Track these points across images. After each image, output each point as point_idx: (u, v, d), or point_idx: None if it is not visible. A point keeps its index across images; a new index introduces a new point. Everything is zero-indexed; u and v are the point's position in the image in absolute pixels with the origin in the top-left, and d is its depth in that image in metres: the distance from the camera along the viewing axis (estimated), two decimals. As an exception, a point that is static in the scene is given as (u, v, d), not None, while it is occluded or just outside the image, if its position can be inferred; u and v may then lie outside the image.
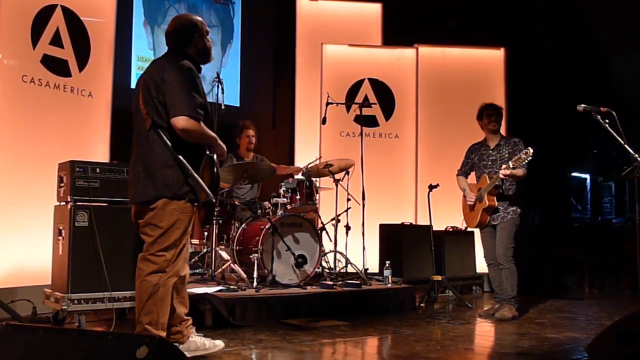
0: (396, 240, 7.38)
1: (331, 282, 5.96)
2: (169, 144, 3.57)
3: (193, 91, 3.61)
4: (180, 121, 3.52)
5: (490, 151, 5.94)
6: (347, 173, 6.77)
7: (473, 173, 6.13)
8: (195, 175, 3.57)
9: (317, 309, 5.51)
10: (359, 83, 8.50)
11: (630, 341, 3.36)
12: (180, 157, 3.55)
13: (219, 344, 4.00)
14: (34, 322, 4.90)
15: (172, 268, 3.63)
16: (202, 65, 3.96)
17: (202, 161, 3.65)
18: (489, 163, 5.90)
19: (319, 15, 9.02)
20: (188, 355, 3.46)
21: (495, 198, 5.74)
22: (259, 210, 6.35)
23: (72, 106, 5.80)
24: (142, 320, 3.57)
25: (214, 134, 3.74)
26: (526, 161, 5.50)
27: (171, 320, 3.76)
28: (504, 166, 5.60)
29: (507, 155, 5.79)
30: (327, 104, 6.96)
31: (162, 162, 3.58)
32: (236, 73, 9.32)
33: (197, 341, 3.90)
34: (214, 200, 3.65)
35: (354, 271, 6.47)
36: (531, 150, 5.46)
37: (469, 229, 7.24)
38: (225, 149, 3.84)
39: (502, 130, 6.14)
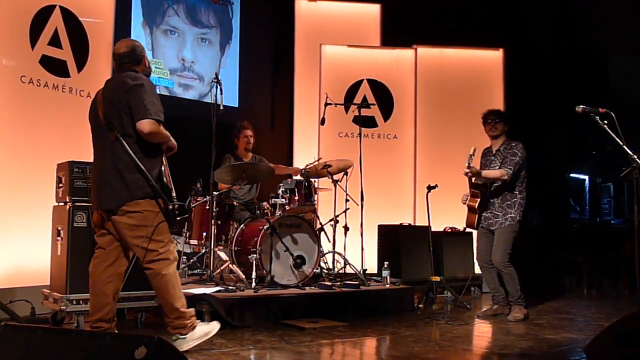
0: (395, 241, 7.39)
1: (330, 283, 5.96)
2: (131, 152, 3.86)
3: (155, 99, 3.94)
4: (145, 124, 3.81)
5: (492, 156, 6.01)
6: (346, 174, 6.77)
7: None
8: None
9: (316, 309, 5.51)
10: (358, 84, 8.50)
11: (629, 342, 3.36)
12: (142, 163, 3.88)
13: (216, 324, 4.24)
14: (32, 322, 4.90)
15: (175, 255, 4.02)
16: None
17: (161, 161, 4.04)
18: (491, 166, 5.97)
19: (317, 16, 9.02)
20: (201, 340, 4.02)
21: (477, 200, 5.84)
22: (258, 211, 6.35)
23: (71, 107, 5.80)
24: (177, 307, 3.93)
25: (167, 133, 4.01)
26: (469, 160, 5.63)
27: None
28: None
29: (500, 159, 5.87)
30: (326, 104, 6.96)
31: (132, 168, 3.88)
32: (235, 74, 9.33)
33: (205, 323, 4.20)
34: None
35: (353, 272, 6.47)
36: (472, 149, 5.63)
37: (467, 230, 7.24)
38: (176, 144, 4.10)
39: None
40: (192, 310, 4.06)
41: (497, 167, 5.83)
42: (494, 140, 6.03)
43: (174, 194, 4.01)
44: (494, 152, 6.00)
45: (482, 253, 6.00)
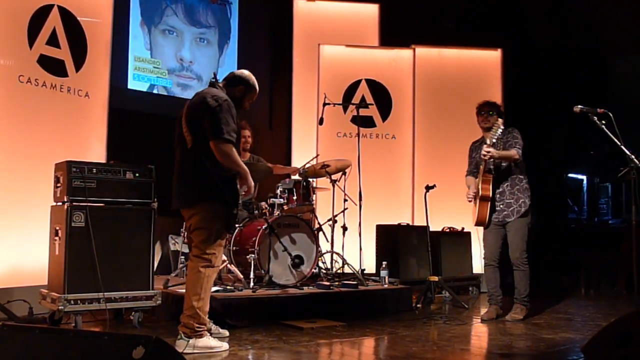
0: (393, 240, 7.39)
1: (328, 283, 5.96)
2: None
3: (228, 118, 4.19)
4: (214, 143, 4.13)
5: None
6: (344, 173, 6.77)
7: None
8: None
9: (314, 309, 5.51)
10: (356, 84, 8.50)
11: (627, 342, 3.36)
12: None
13: (224, 332, 4.59)
14: (30, 322, 4.90)
15: (220, 263, 4.31)
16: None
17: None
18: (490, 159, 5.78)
19: (316, 16, 9.02)
20: (203, 351, 4.07)
21: (489, 187, 5.68)
22: (256, 211, 6.35)
23: (69, 106, 5.80)
24: (193, 305, 4.09)
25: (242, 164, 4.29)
26: (497, 132, 5.54)
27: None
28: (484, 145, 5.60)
29: (501, 145, 5.74)
30: (324, 104, 6.96)
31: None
32: (233, 73, 9.31)
33: (214, 338, 4.30)
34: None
35: (351, 272, 6.47)
36: (500, 120, 5.55)
37: (465, 229, 7.25)
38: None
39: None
40: (207, 321, 4.24)
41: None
42: (487, 132, 5.87)
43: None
44: (488, 143, 5.78)
45: (491, 251, 5.85)
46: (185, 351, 3.95)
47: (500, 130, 5.55)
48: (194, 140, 4.19)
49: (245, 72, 4.59)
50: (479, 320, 5.76)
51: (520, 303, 5.77)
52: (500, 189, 5.77)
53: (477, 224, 5.88)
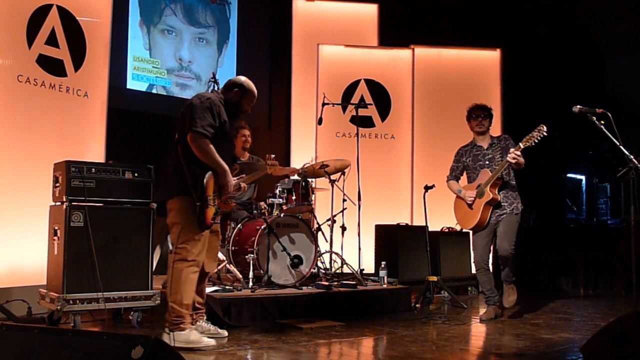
0: (392, 241, 7.39)
1: (327, 283, 5.96)
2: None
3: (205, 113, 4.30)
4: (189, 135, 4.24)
5: (485, 150, 5.81)
6: (343, 174, 6.78)
7: (465, 177, 6.00)
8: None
9: (313, 309, 5.51)
10: (355, 84, 8.51)
11: (625, 342, 3.37)
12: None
13: (223, 332, 4.60)
14: (29, 322, 4.90)
15: (194, 257, 4.27)
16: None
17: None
18: (486, 162, 5.75)
19: (315, 16, 9.03)
20: (181, 345, 4.13)
21: (496, 191, 5.62)
22: (255, 211, 6.35)
23: (68, 106, 5.80)
24: (169, 301, 4.25)
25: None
26: (538, 138, 5.34)
27: None
28: (510, 150, 5.46)
29: (499, 152, 5.68)
30: (323, 104, 6.96)
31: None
32: (232, 73, 9.32)
33: (202, 325, 4.55)
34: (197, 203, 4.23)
35: (350, 272, 6.47)
36: (544, 127, 5.32)
37: (464, 230, 7.23)
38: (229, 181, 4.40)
39: (498, 131, 6.08)
40: (186, 314, 4.26)
41: (496, 160, 5.64)
42: (480, 137, 5.85)
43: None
44: (485, 147, 5.80)
45: (481, 254, 5.82)
46: (170, 344, 4.02)
47: (540, 137, 5.35)
48: (178, 137, 4.37)
49: (242, 78, 4.74)
50: (478, 320, 5.76)
51: (510, 283, 5.78)
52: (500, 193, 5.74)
53: (476, 226, 5.78)
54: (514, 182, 5.76)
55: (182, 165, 4.25)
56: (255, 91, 4.70)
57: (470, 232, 6.02)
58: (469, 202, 5.78)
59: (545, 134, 5.32)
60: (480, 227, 5.76)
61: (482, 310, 5.94)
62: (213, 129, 4.26)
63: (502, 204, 5.70)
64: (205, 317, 4.63)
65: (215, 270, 4.69)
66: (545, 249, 9.12)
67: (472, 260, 6.01)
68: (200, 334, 4.33)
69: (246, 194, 6.92)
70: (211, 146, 4.24)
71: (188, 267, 4.25)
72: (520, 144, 5.43)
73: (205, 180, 4.20)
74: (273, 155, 5.86)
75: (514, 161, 5.44)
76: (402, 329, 5.16)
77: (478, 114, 5.83)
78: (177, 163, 4.29)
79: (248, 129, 6.86)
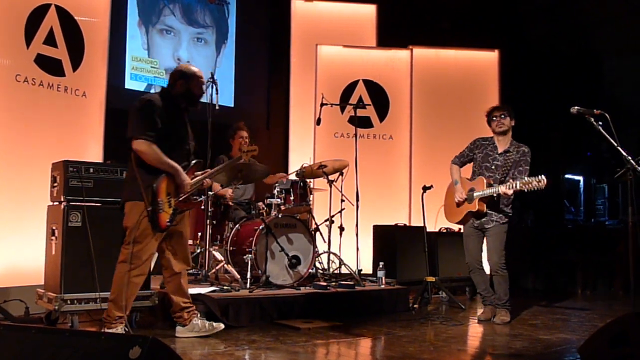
0: (390, 241, 7.39)
1: (325, 283, 5.96)
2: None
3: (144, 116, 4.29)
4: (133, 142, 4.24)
5: (497, 155, 5.71)
6: (341, 174, 6.78)
7: (468, 167, 5.96)
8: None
9: (311, 309, 5.51)
10: (354, 84, 8.51)
11: (623, 342, 3.37)
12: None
13: (219, 326, 4.62)
14: (26, 322, 4.89)
15: (139, 262, 4.24)
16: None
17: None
18: (492, 167, 5.68)
19: (313, 16, 9.03)
20: (190, 335, 4.48)
21: (485, 205, 5.58)
22: (253, 211, 6.34)
23: (66, 106, 5.79)
24: (108, 299, 4.28)
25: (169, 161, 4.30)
26: (535, 189, 5.22)
27: (172, 308, 4.59)
28: (506, 184, 5.38)
29: (511, 164, 5.58)
30: (322, 104, 6.96)
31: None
32: (230, 73, 9.32)
33: (198, 323, 4.56)
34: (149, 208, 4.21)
35: (348, 272, 6.47)
36: (545, 181, 5.16)
37: (462, 230, 7.23)
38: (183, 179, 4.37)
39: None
40: (116, 315, 4.24)
41: (501, 170, 5.57)
42: (501, 137, 5.75)
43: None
44: (499, 151, 5.72)
45: (473, 254, 5.82)
46: None
47: (537, 189, 5.22)
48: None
49: (180, 66, 4.69)
50: (476, 320, 5.76)
51: (503, 307, 5.70)
52: (491, 203, 5.68)
53: (458, 223, 5.89)
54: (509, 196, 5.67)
55: (132, 170, 4.27)
56: (198, 71, 4.59)
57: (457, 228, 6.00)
58: (457, 200, 5.78)
59: (542, 188, 5.21)
60: (460, 223, 5.87)
61: (480, 311, 5.94)
62: (155, 131, 4.23)
63: (488, 211, 5.65)
64: (198, 315, 4.64)
65: (187, 268, 4.61)
66: (543, 249, 9.13)
67: (465, 261, 5.95)
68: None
69: (245, 194, 6.93)
70: (155, 149, 4.23)
71: (131, 269, 4.22)
72: (517, 183, 5.31)
73: (155, 185, 4.20)
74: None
75: (502, 194, 5.44)
76: (400, 330, 5.16)
77: (497, 115, 5.77)
78: (131, 167, 4.31)
79: (246, 130, 6.85)
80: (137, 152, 4.21)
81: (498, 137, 5.79)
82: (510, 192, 5.36)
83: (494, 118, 5.77)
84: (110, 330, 4.18)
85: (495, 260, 5.66)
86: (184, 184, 4.33)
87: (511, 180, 5.45)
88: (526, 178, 5.33)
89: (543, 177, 5.19)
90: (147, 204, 4.18)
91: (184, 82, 4.51)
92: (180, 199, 4.34)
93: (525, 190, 5.29)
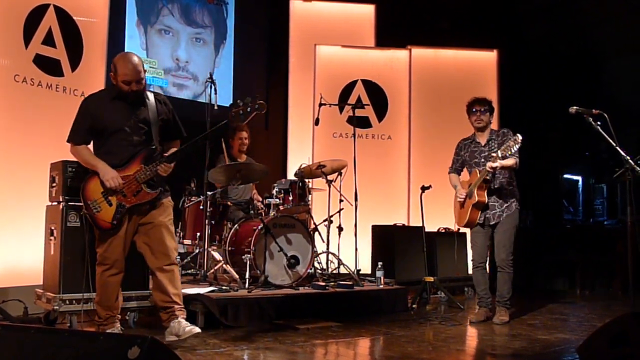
0: (388, 241, 7.39)
1: (323, 283, 5.96)
2: None
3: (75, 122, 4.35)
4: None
5: (482, 147, 5.73)
6: (340, 174, 6.78)
7: (466, 170, 5.93)
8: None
9: (310, 309, 5.51)
10: (352, 84, 8.51)
11: (622, 342, 3.37)
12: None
13: (193, 329, 4.20)
14: (25, 322, 4.89)
15: (105, 260, 4.24)
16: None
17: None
18: (482, 160, 5.66)
19: (312, 16, 9.03)
20: (170, 339, 4.17)
21: (485, 193, 5.54)
22: (252, 211, 6.34)
23: (65, 106, 5.76)
24: (95, 300, 4.34)
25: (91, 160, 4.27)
26: (514, 148, 5.27)
27: (156, 306, 4.42)
28: (492, 157, 5.41)
29: (495, 149, 5.54)
30: (320, 104, 6.97)
31: None
32: (229, 73, 9.32)
33: (175, 326, 4.23)
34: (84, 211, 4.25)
35: (347, 272, 6.47)
36: (520, 137, 5.25)
37: (461, 230, 7.24)
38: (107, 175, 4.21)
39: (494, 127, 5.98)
40: (105, 315, 4.31)
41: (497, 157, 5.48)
42: (480, 133, 5.78)
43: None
44: (482, 143, 5.73)
45: (480, 253, 5.77)
46: None
47: (516, 147, 5.29)
48: None
49: (116, 56, 4.39)
50: (473, 321, 5.72)
51: (503, 306, 5.70)
52: (491, 193, 5.66)
53: (466, 225, 5.81)
54: (509, 182, 5.68)
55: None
56: (129, 65, 4.23)
57: (468, 230, 6.00)
58: (459, 201, 5.78)
59: (520, 143, 5.25)
60: (470, 225, 5.76)
61: (475, 311, 5.91)
62: (81, 132, 4.30)
63: (494, 204, 5.64)
64: (179, 317, 4.27)
65: (165, 264, 4.30)
66: (541, 249, 9.14)
67: (470, 257, 5.93)
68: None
69: (245, 194, 6.93)
70: (81, 151, 4.30)
71: (104, 270, 4.25)
72: (499, 152, 5.35)
73: (82, 189, 4.24)
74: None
75: (491, 171, 5.42)
76: (399, 330, 5.16)
77: (477, 109, 5.75)
78: None
79: (247, 130, 6.84)
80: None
81: (477, 132, 5.82)
82: (496, 164, 5.35)
83: (474, 111, 5.77)
84: (107, 331, 4.18)
85: (502, 257, 5.64)
86: (106, 178, 4.13)
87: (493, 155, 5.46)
88: (504, 146, 5.34)
89: (518, 135, 5.27)
90: (83, 206, 4.23)
91: (113, 73, 4.31)
92: (126, 192, 4.16)
93: (509, 156, 5.32)
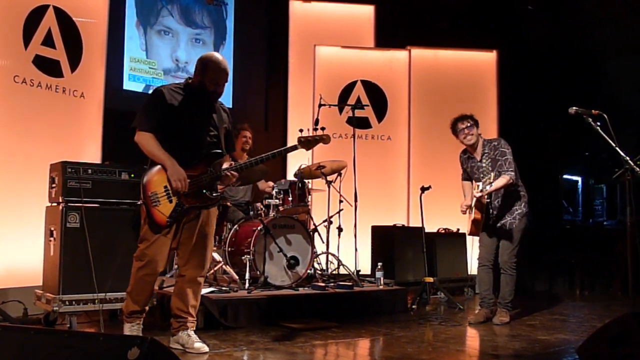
0: (388, 242, 7.39)
1: (323, 284, 5.96)
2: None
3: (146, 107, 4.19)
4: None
5: (479, 163, 5.67)
6: (340, 175, 6.77)
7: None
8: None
9: (309, 310, 5.51)
10: (352, 85, 8.51)
11: (621, 343, 3.37)
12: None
13: (202, 348, 4.13)
14: (25, 323, 4.89)
15: (146, 258, 4.05)
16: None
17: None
18: (481, 175, 5.59)
19: (311, 17, 9.03)
20: (175, 347, 4.11)
21: (480, 211, 5.48)
22: (251, 212, 6.34)
23: (64, 107, 5.79)
24: (127, 289, 4.17)
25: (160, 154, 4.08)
26: (488, 187, 5.28)
27: (170, 309, 4.29)
28: (478, 187, 5.41)
29: (489, 162, 5.56)
30: (320, 105, 6.96)
31: None
32: (229, 74, 9.29)
33: (184, 337, 4.17)
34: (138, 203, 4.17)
35: (346, 273, 6.47)
36: (492, 175, 5.29)
37: (461, 230, 7.24)
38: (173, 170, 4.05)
39: (494, 133, 5.99)
40: (128, 308, 4.15)
41: (491, 172, 5.44)
42: (471, 148, 5.69)
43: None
44: (478, 159, 5.67)
45: (487, 251, 5.74)
46: None
47: (489, 186, 5.30)
48: None
49: (208, 54, 4.37)
50: (472, 322, 5.69)
51: (504, 307, 5.69)
52: (496, 199, 5.65)
53: (471, 234, 5.77)
54: (514, 190, 5.64)
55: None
56: (218, 62, 4.24)
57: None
58: (462, 210, 5.71)
59: (491, 183, 5.30)
60: (474, 234, 5.74)
61: (475, 312, 5.89)
62: (153, 121, 4.08)
63: (502, 210, 5.63)
64: (189, 328, 4.21)
65: (196, 276, 4.22)
66: (541, 250, 9.13)
67: (477, 256, 5.87)
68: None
69: (244, 195, 6.93)
70: (149, 139, 4.06)
71: (140, 267, 4.07)
72: (480, 184, 5.37)
73: (145, 178, 4.04)
74: None
75: (477, 197, 5.39)
76: (399, 330, 5.16)
77: (462, 126, 5.64)
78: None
79: (250, 130, 6.85)
80: (137, 143, 4.10)
81: (470, 148, 5.74)
82: (479, 194, 5.34)
83: (461, 129, 5.65)
84: (125, 326, 4.13)
85: (505, 259, 5.65)
86: (175, 177, 3.99)
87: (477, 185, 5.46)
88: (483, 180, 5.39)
89: (491, 174, 5.32)
90: (141, 197, 4.04)
91: (198, 73, 4.26)
92: (186, 192, 4.03)
93: (489, 184, 5.32)
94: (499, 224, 5.66)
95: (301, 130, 4.55)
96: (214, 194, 4.17)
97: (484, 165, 5.62)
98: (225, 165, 4.26)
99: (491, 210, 5.68)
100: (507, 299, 5.69)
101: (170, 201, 4.02)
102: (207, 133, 4.24)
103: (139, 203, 4.11)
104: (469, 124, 5.63)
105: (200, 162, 4.14)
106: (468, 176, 5.90)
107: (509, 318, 5.66)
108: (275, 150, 4.44)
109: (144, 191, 4.02)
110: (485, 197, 5.48)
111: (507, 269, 5.66)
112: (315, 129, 4.53)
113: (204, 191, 4.13)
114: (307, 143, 4.38)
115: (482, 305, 5.84)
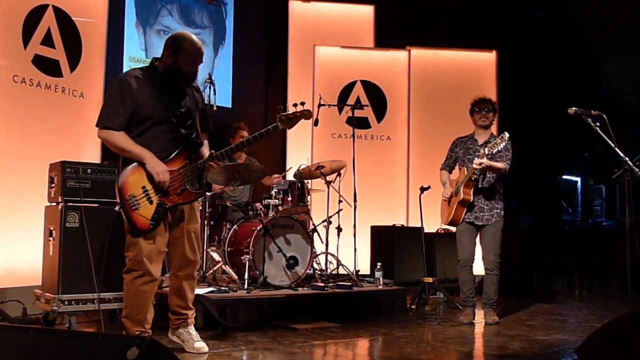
0: (387, 242, 7.40)
1: (322, 284, 5.96)
2: None
3: (112, 101, 3.83)
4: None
5: (478, 146, 5.69)
6: (339, 175, 6.77)
7: (457, 168, 5.90)
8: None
9: (309, 310, 5.50)
10: (351, 85, 8.51)
11: (620, 343, 3.37)
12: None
13: (202, 347, 4.06)
14: (24, 323, 4.88)
15: (138, 266, 3.79)
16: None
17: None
18: (475, 157, 5.54)
19: (311, 17, 9.03)
20: (174, 340, 4.07)
21: (471, 192, 5.53)
22: (251, 212, 6.34)
23: (64, 106, 5.79)
24: (122, 314, 3.93)
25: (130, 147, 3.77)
26: (500, 146, 5.33)
27: (168, 307, 4.16)
28: (479, 154, 5.42)
29: (489, 150, 5.50)
30: (319, 105, 6.96)
31: None
32: (228, 74, 9.31)
33: (184, 334, 4.10)
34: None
35: (345, 273, 6.46)
36: (507, 135, 5.32)
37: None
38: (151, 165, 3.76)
39: (494, 131, 5.99)
40: (131, 330, 3.84)
41: (490, 159, 5.45)
42: (482, 130, 5.76)
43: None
44: (480, 142, 5.71)
45: (468, 251, 5.73)
46: None
47: (503, 145, 5.37)
48: None
49: (178, 33, 4.11)
50: (465, 322, 5.66)
51: (490, 307, 5.70)
52: (478, 193, 5.65)
53: (450, 223, 5.79)
54: (496, 187, 5.68)
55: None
56: (197, 44, 3.97)
57: (455, 229, 5.97)
58: (445, 198, 5.81)
59: (507, 141, 5.34)
60: (454, 223, 5.75)
61: (464, 312, 5.86)
62: (120, 116, 3.74)
63: (483, 206, 5.64)
64: (190, 325, 4.13)
65: (188, 273, 4.08)
66: (540, 250, 9.13)
67: (458, 258, 5.85)
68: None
69: (244, 195, 6.93)
70: (116, 137, 3.74)
71: (134, 278, 3.79)
72: (486, 149, 5.40)
73: (120, 181, 3.74)
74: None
75: (479, 167, 5.40)
76: (398, 330, 5.16)
77: (482, 107, 5.74)
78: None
79: (247, 129, 6.84)
80: (104, 142, 3.81)
81: (479, 130, 5.80)
82: (483, 160, 5.35)
83: (479, 110, 5.75)
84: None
85: (491, 260, 5.65)
86: (154, 172, 3.71)
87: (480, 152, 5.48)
88: (491, 144, 5.42)
89: (505, 133, 5.33)
90: (118, 202, 3.77)
91: (171, 52, 3.94)
92: (169, 189, 3.76)
93: (497, 157, 5.36)
94: (480, 223, 5.66)
95: (280, 108, 4.35)
96: (196, 188, 3.93)
97: (480, 150, 5.57)
98: (205, 151, 4.04)
99: (473, 208, 5.67)
100: (492, 299, 5.70)
101: (151, 202, 3.75)
102: (183, 122, 3.93)
103: (116, 209, 3.89)
104: (490, 107, 5.75)
105: (178, 155, 3.86)
106: (452, 163, 5.92)
107: (497, 316, 5.69)
108: (257, 133, 4.21)
109: (121, 195, 3.73)
110: (477, 174, 5.53)
111: (493, 269, 5.66)
112: (295, 105, 4.27)
113: (186, 186, 3.87)
114: (288, 120, 4.25)
115: (466, 305, 5.82)
